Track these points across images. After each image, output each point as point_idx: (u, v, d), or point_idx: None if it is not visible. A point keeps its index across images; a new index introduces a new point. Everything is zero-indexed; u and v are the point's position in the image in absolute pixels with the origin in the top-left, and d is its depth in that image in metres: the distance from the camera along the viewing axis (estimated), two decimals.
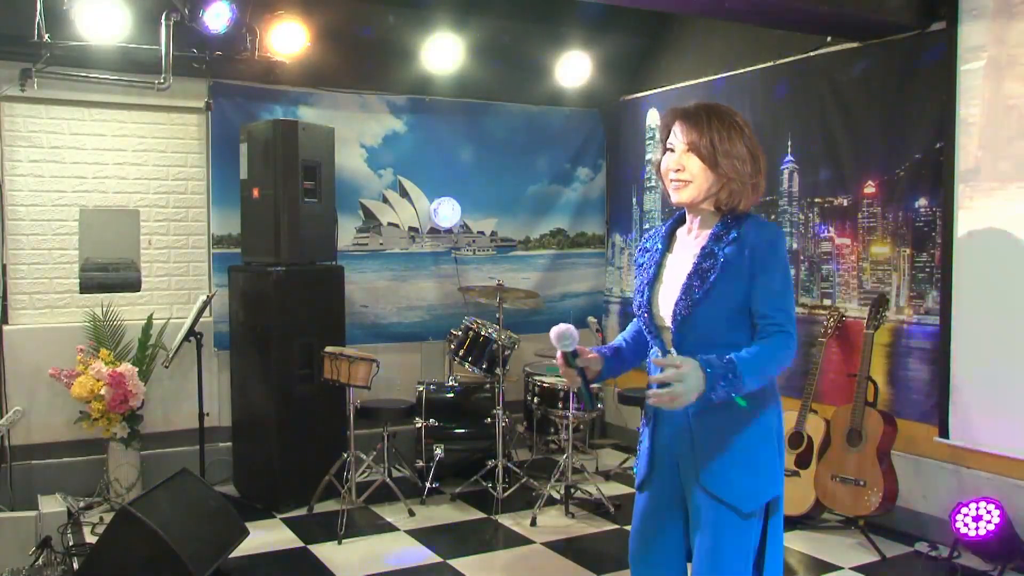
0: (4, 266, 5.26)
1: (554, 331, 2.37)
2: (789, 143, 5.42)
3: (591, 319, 6.97)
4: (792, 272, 5.20)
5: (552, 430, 6.01)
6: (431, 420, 5.56)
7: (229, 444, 5.67)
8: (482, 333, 5.51)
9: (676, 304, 2.41)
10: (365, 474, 5.50)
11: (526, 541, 4.77)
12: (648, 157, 6.65)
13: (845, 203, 5.14)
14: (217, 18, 5.07)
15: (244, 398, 5.49)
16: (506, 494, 5.25)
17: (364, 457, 5.26)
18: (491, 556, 4.61)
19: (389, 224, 6.36)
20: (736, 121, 2.41)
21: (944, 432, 4.60)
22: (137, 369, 5.20)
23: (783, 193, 5.48)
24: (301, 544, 4.70)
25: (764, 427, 2.43)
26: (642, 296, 2.53)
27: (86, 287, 5.48)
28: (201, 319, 5.12)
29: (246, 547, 4.37)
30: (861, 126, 5.03)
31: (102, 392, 5.04)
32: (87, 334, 5.35)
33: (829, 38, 5.17)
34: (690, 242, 2.50)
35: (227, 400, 5.70)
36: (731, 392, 2.26)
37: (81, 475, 5.32)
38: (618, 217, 7.02)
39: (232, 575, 4.27)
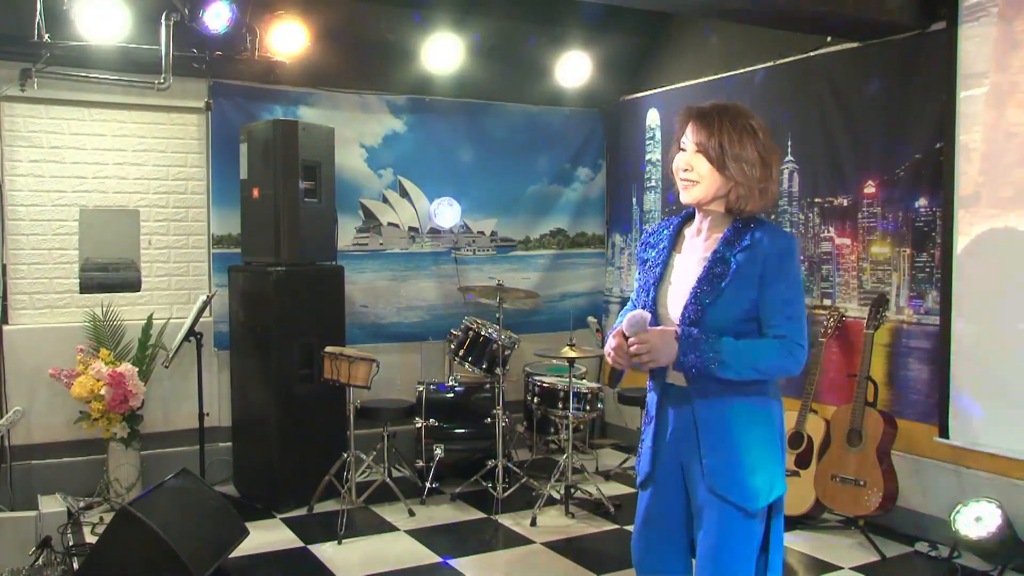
0: (4, 266, 5.26)
1: (631, 317, 2.38)
2: (789, 143, 5.42)
3: (591, 319, 6.99)
4: None
5: (552, 430, 6.02)
6: (431, 420, 5.56)
7: (229, 444, 5.67)
8: (482, 333, 5.51)
9: (685, 308, 2.42)
10: (365, 474, 5.51)
11: (526, 541, 4.77)
12: (648, 157, 6.66)
13: (845, 203, 5.14)
14: (217, 18, 5.08)
15: (244, 398, 5.49)
16: (506, 494, 5.25)
17: (364, 457, 5.26)
18: (491, 556, 4.61)
19: (389, 224, 6.37)
20: (750, 124, 2.40)
21: (944, 432, 4.60)
22: (137, 369, 5.20)
23: (783, 193, 5.48)
24: (301, 544, 4.70)
25: (768, 427, 2.45)
26: (648, 295, 2.52)
27: (86, 287, 5.48)
28: (201, 319, 5.12)
29: (246, 547, 4.37)
30: (861, 126, 5.03)
31: (102, 392, 5.04)
32: (87, 334, 5.35)
33: (829, 38, 5.17)
34: (699, 243, 2.50)
35: (227, 400, 5.70)
36: (707, 367, 2.33)
37: (81, 475, 5.32)
38: (618, 217, 7.02)
39: (232, 575, 4.26)
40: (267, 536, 4.76)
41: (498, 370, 5.41)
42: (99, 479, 5.27)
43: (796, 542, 4.65)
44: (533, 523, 4.98)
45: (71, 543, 4.44)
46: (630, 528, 4.91)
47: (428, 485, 5.41)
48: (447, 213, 6.45)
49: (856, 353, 4.85)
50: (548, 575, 4.38)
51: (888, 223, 4.92)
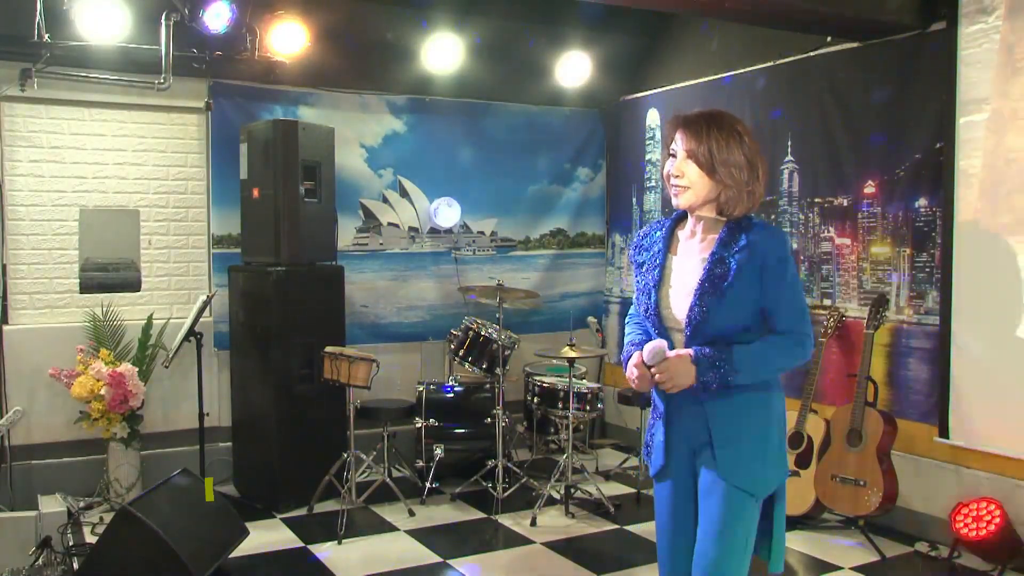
0: (4, 266, 5.26)
1: (651, 349, 2.49)
2: (789, 143, 5.42)
3: (591, 319, 6.99)
4: None
5: (552, 430, 6.02)
6: (431, 420, 5.56)
7: (229, 444, 5.67)
8: (482, 333, 5.51)
9: (691, 309, 2.50)
10: (365, 474, 5.51)
11: (526, 541, 4.77)
12: (648, 157, 6.66)
13: (845, 203, 5.14)
14: (217, 18, 5.08)
15: (244, 398, 5.49)
16: (506, 494, 5.25)
17: (364, 457, 5.26)
18: (491, 556, 4.61)
19: (389, 224, 6.36)
20: (736, 129, 2.50)
21: (944, 432, 4.60)
22: (137, 369, 5.20)
23: (783, 193, 5.48)
24: (301, 544, 4.70)
25: (772, 417, 2.57)
26: (649, 299, 2.60)
27: (86, 287, 5.48)
28: (201, 319, 5.10)
29: (246, 547, 4.37)
30: (861, 126, 5.03)
31: (102, 392, 5.04)
32: (87, 334, 5.35)
33: (829, 38, 5.17)
34: (694, 245, 2.58)
35: (227, 400, 5.70)
36: (725, 379, 2.45)
37: (81, 475, 5.32)
38: (618, 217, 7.02)
39: (232, 575, 4.27)
40: (267, 536, 4.76)
41: (498, 370, 5.41)
42: (99, 479, 5.27)
43: (796, 542, 4.65)
44: (533, 523, 4.98)
45: (71, 543, 4.44)
46: (630, 528, 4.94)
47: (428, 485, 5.41)
48: (447, 213, 6.44)
49: (856, 353, 4.86)
50: (548, 575, 4.38)
51: (888, 223, 4.92)
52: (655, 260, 2.62)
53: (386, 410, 5.55)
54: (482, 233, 6.70)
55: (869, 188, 5.00)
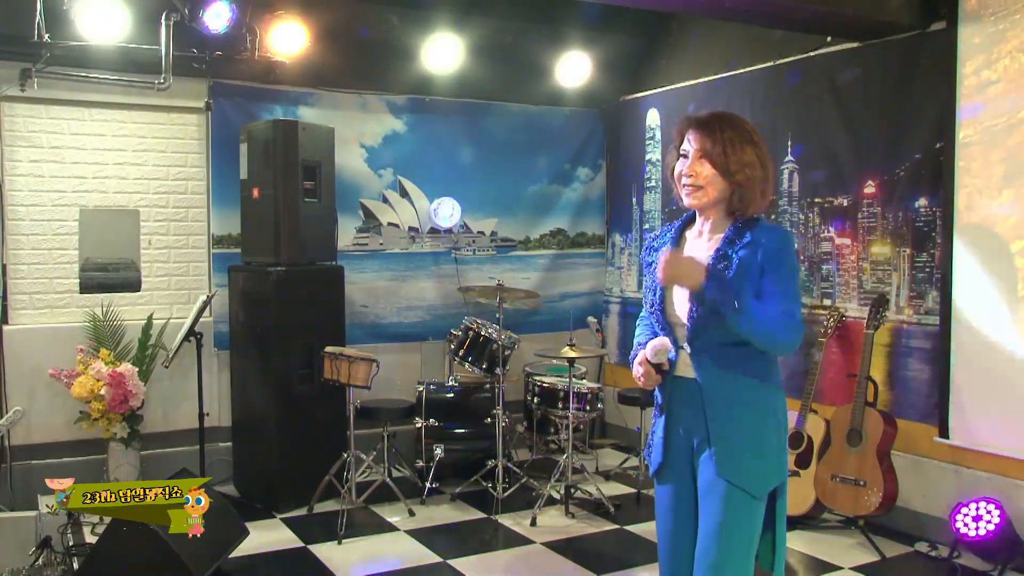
0: (4, 266, 5.26)
1: (655, 345, 2.51)
2: (789, 143, 5.42)
3: (591, 319, 6.99)
4: None
5: (552, 430, 6.02)
6: (431, 420, 5.56)
7: (229, 444, 5.67)
8: (482, 333, 5.51)
9: (691, 306, 2.52)
10: (365, 474, 5.50)
11: (526, 541, 4.77)
12: (648, 157, 6.66)
13: (845, 203, 5.14)
14: (217, 18, 5.08)
15: (244, 398, 5.49)
16: (506, 494, 5.25)
17: (364, 457, 5.26)
18: (491, 556, 4.61)
19: (389, 224, 6.36)
20: (747, 129, 2.55)
21: (944, 432, 4.61)
22: (137, 369, 5.20)
23: (783, 193, 5.48)
24: (301, 544, 4.70)
25: (773, 416, 2.58)
26: (654, 295, 2.64)
27: (86, 287, 5.48)
28: (201, 319, 5.11)
29: (246, 547, 4.37)
30: (861, 126, 5.03)
31: (102, 392, 5.04)
32: (87, 334, 5.35)
33: (829, 38, 5.17)
34: (701, 244, 2.61)
35: (227, 400, 5.70)
36: (723, 305, 2.40)
37: (81, 475, 5.29)
38: (618, 217, 7.02)
39: (232, 575, 4.27)
40: (267, 536, 4.76)
41: (498, 370, 5.41)
42: (99, 479, 5.27)
43: (796, 542, 4.65)
44: (533, 523, 4.98)
45: (71, 543, 4.44)
46: (630, 528, 4.94)
47: (428, 485, 5.41)
48: (447, 213, 6.44)
49: (856, 353, 4.85)
50: (548, 575, 4.38)
51: (888, 223, 4.92)
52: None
53: (386, 410, 5.55)
54: (482, 233, 6.70)
55: (869, 188, 5.00)
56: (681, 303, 2.57)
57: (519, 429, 6.24)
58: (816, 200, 5.31)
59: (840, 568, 4.37)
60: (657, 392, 2.68)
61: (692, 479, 2.60)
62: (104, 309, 5.41)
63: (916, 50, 4.73)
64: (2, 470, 5.19)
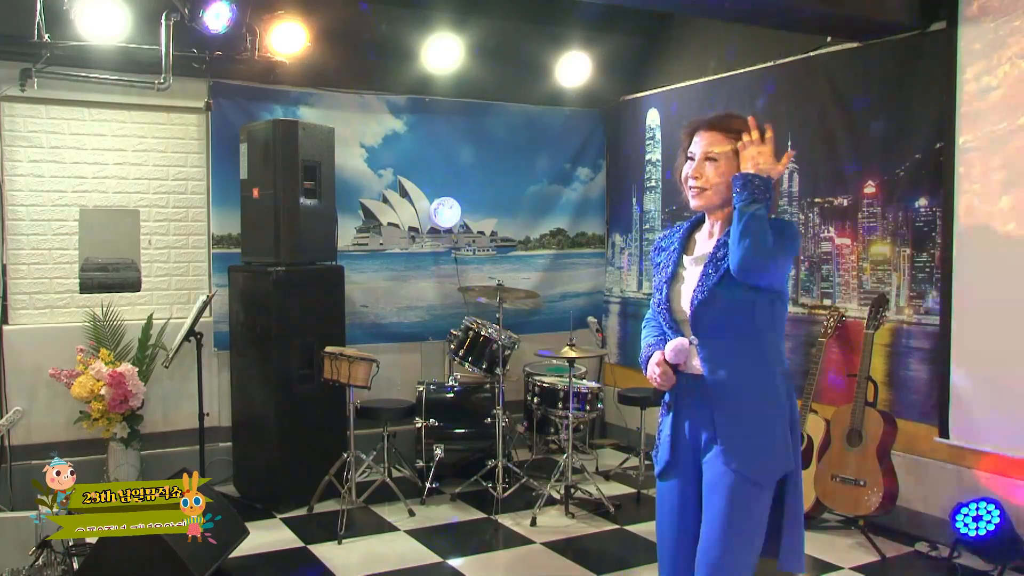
0: (4, 266, 5.26)
1: (675, 346, 2.53)
2: (789, 143, 5.41)
3: (591, 319, 6.99)
4: (791, 272, 5.21)
5: (552, 430, 6.02)
6: (431, 420, 5.56)
7: (229, 444, 5.67)
8: (482, 333, 5.51)
9: (695, 291, 2.54)
10: (365, 474, 5.51)
11: (526, 541, 4.77)
12: (648, 157, 6.66)
13: (845, 203, 5.14)
14: (217, 18, 5.08)
15: (244, 398, 5.49)
16: (506, 494, 5.25)
17: (364, 457, 5.26)
18: (491, 556, 4.61)
19: (389, 224, 6.36)
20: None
21: (944, 432, 4.60)
22: (137, 369, 5.20)
23: (783, 193, 5.47)
24: (301, 544, 4.70)
25: (779, 407, 2.57)
26: (660, 293, 2.66)
27: (86, 287, 5.48)
28: (201, 319, 5.12)
29: (246, 547, 4.37)
30: (861, 126, 5.03)
31: (102, 392, 5.04)
32: (87, 334, 5.35)
33: (829, 38, 5.17)
34: (709, 245, 2.62)
35: (227, 400, 5.70)
36: (766, 199, 2.44)
37: (81, 475, 5.26)
38: (618, 217, 7.02)
39: (232, 575, 4.27)
40: (267, 536, 4.76)
41: (498, 370, 5.41)
42: (99, 479, 5.26)
43: None
44: (533, 523, 4.98)
45: (71, 543, 4.44)
46: (630, 528, 4.94)
47: (428, 485, 5.41)
48: (447, 213, 6.44)
49: (856, 353, 4.85)
50: (548, 575, 4.38)
51: (888, 223, 4.92)
52: (670, 259, 2.68)
53: (386, 410, 5.54)
54: (482, 233, 6.70)
55: (869, 188, 5.00)
56: (685, 299, 2.58)
57: (519, 429, 6.24)
58: (816, 200, 5.31)
59: (840, 568, 4.37)
60: (667, 392, 2.68)
61: (697, 478, 2.60)
62: (104, 309, 5.41)
63: (916, 50, 4.73)
64: (2, 470, 5.19)
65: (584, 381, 5.93)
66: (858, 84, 5.03)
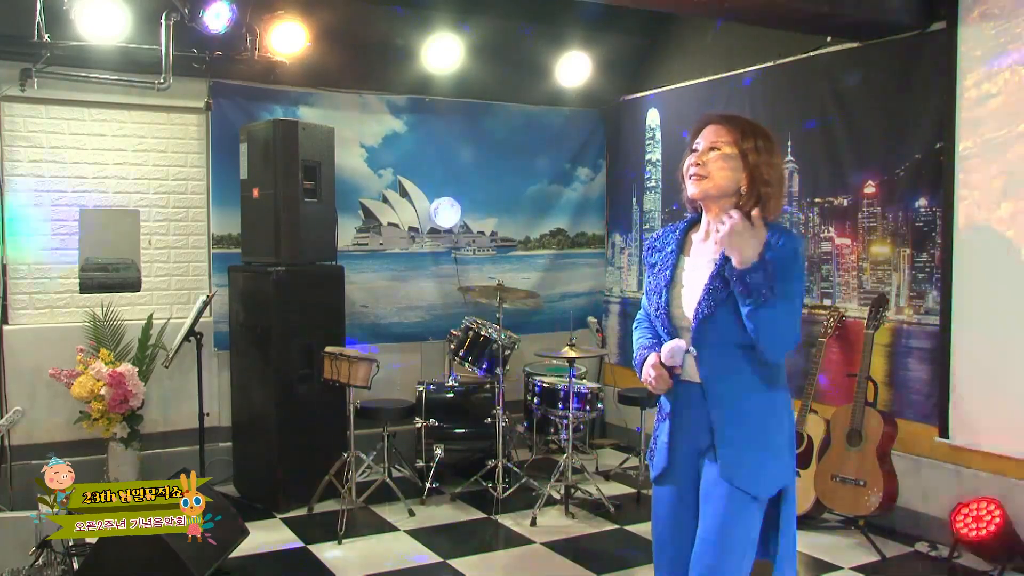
0: (4, 266, 5.26)
1: (670, 348, 2.49)
2: (789, 143, 5.41)
3: (591, 319, 6.99)
4: None
5: (552, 430, 6.02)
6: (431, 420, 5.56)
7: (229, 444, 5.67)
8: (482, 333, 5.51)
9: (699, 304, 2.49)
10: (365, 474, 5.51)
11: (526, 541, 4.77)
12: (648, 157, 6.65)
13: (845, 203, 5.14)
14: (217, 18, 5.07)
15: (244, 398, 5.49)
16: (506, 494, 5.25)
17: (364, 457, 5.26)
18: (491, 556, 4.61)
19: (389, 224, 6.36)
20: (761, 129, 2.56)
21: (944, 432, 4.60)
22: (137, 369, 5.20)
23: (783, 193, 5.46)
24: (301, 544, 4.70)
25: (778, 419, 2.57)
26: (660, 298, 2.60)
27: (86, 287, 5.48)
28: (201, 319, 5.12)
29: (246, 547, 4.36)
30: (861, 126, 5.03)
31: (102, 392, 5.04)
32: (87, 334, 5.35)
33: (829, 38, 5.17)
34: (708, 247, 2.56)
35: (227, 400, 5.70)
36: (758, 285, 2.35)
37: (81, 475, 5.26)
38: (618, 217, 7.02)
39: (232, 575, 4.26)
40: (267, 536, 4.76)
41: (498, 370, 5.41)
42: (99, 479, 5.26)
43: (797, 542, 4.64)
44: (533, 523, 4.98)
45: (71, 543, 4.44)
46: (630, 528, 4.94)
47: (428, 485, 5.41)
48: (447, 213, 6.44)
49: (856, 353, 4.85)
50: (548, 575, 4.38)
51: (888, 223, 4.92)
52: (667, 261, 2.63)
53: (386, 410, 5.54)
54: (482, 233, 6.70)
55: (869, 188, 5.00)
56: (688, 305, 2.53)
57: (519, 429, 6.24)
58: (816, 200, 5.31)
59: (840, 568, 4.37)
60: (663, 398, 2.65)
61: (694, 484, 2.58)
62: (104, 309, 5.41)
63: (916, 50, 4.73)
64: (2, 470, 5.19)
65: (584, 381, 5.93)
66: (858, 84, 5.03)
